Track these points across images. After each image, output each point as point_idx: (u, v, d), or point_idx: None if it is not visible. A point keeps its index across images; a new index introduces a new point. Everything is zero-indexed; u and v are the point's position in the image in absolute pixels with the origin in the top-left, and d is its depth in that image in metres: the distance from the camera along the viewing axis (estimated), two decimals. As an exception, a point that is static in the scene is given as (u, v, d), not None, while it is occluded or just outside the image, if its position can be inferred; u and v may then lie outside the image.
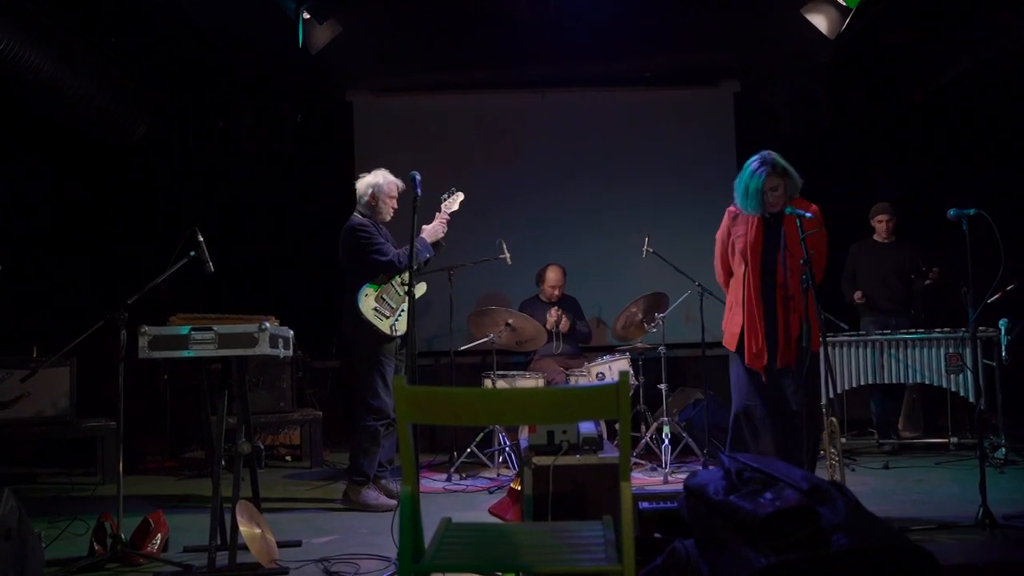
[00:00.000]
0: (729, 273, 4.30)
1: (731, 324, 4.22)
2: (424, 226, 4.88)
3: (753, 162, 4.10)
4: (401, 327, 4.82)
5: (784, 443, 4.09)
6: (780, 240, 4.10)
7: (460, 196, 5.06)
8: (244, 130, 7.63)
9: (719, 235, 4.32)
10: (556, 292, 6.65)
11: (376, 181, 4.95)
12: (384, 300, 4.81)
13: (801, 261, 3.91)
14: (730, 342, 4.22)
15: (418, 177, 4.04)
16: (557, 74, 7.70)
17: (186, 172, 7.63)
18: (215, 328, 3.66)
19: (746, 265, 4.12)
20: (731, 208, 4.23)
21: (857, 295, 6.50)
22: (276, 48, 6.48)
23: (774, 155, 4.11)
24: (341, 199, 5.01)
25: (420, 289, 4.86)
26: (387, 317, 4.79)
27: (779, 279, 4.07)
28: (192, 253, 3.89)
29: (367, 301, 4.76)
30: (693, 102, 7.89)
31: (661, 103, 7.90)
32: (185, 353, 3.64)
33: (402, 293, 4.84)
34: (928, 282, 6.32)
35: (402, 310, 4.83)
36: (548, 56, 7.28)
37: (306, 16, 6.09)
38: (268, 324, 3.71)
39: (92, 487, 5.51)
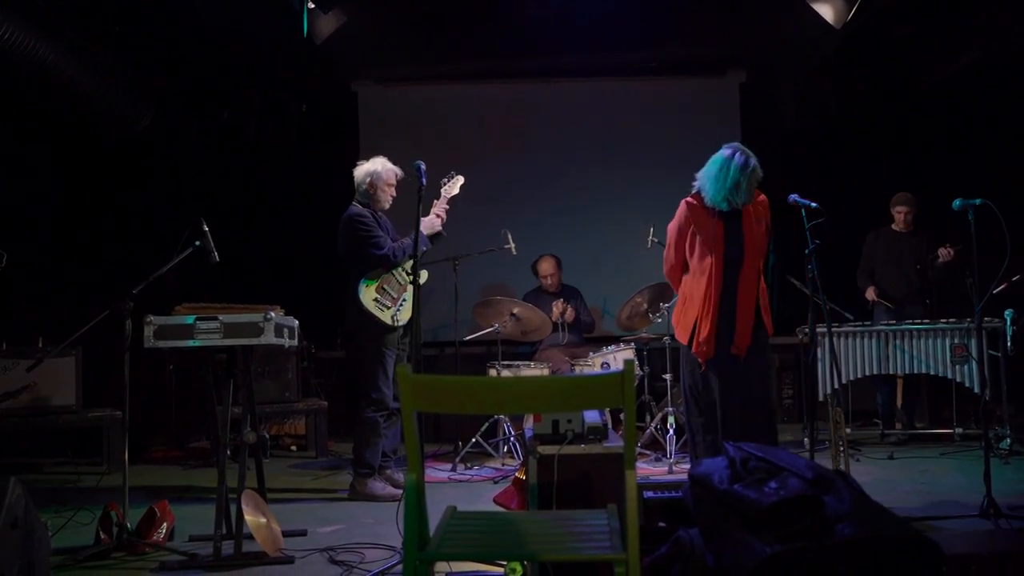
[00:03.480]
0: (683, 266, 4.19)
1: (684, 318, 4.13)
2: (422, 219, 4.84)
3: (733, 155, 4.00)
4: (403, 317, 4.81)
5: (749, 430, 3.96)
6: (740, 231, 4.03)
7: (460, 180, 5.01)
8: (249, 120, 7.61)
9: (674, 226, 4.17)
10: (549, 282, 6.67)
11: (374, 169, 4.89)
12: (385, 290, 4.79)
13: (810, 252, 3.93)
14: (683, 336, 4.13)
15: (423, 166, 4.02)
16: (562, 64, 7.68)
17: (191, 163, 7.63)
18: (220, 318, 3.67)
19: (709, 257, 4.02)
20: (690, 199, 4.13)
21: (870, 293, 6.44)
22: (280, 38, 6.46)
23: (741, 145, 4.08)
24: (346, 189, 5.00)
25: (421, 277, 4.81)
26: (388, 308, 4.77)
27: (741, 269, 4.02)
28: (197, 243, 3.89)
29: (368, 292, 4.74)
30: (699, 92, 7.86)
31: (667, 93, 7.88)
32: (190, 343, 3.64)
33: (403, 282, 4.83)
34: (942, 261, 6.16)
35: (404, 300, 4.81)
36: (554, 46, 7.26)
37: (311, 5, 6.07)
38: (273, 314, 3.72)
39: (98, 477, 5.53)
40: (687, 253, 4.13)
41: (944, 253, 6.15)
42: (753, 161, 4.02)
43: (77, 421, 5.82)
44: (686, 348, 4.14)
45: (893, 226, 6.51)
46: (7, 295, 6.36)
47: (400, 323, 4.81)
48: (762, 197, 4.09)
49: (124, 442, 3.77)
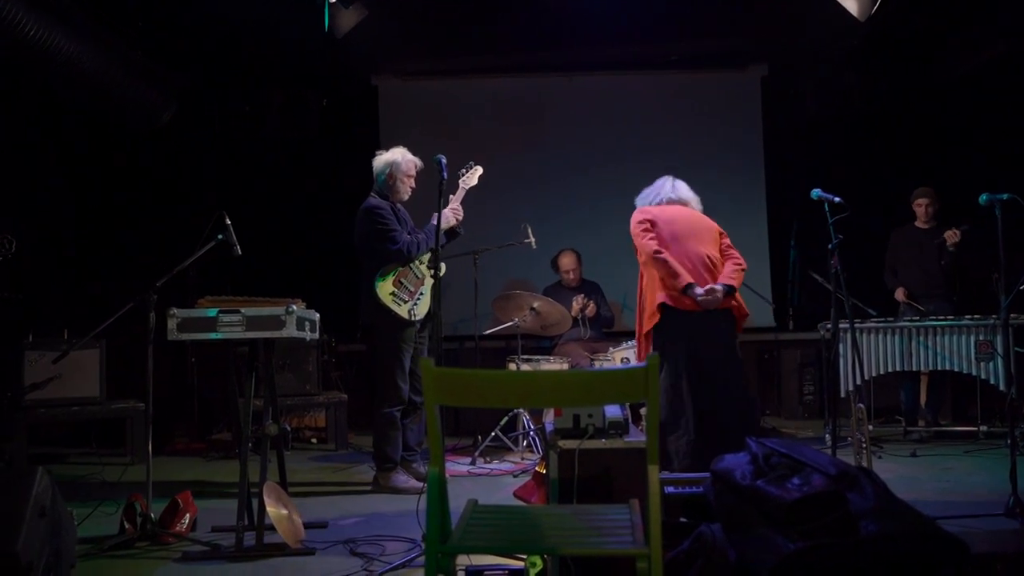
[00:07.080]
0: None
1: None
2: (435, 213, 4.81)
3: None
4: (420, 311, 4.80)
5: None
6: None
7: (479, 170, 4.95)
8: (270, 114, 7.66)
9: None
10: (571, 276, 6.66)
11: (394, 159, 4.85)
12: (402, 284, 4.75)
13: (833, 247, 3.94)
14: None
15: (443, 160, 4.02)
16: (583, 57, 7.65)
17: (213, 156, 7.68)
18: (243, 311, 3.68)
19: None
20: None
21: (899, 294, 6.39)
22: (302, 32, 6.48)
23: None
24: (366, 183, 5.01)
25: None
26: (405, 302, 4.74)
27: None
28: (220, 236, 3.91)
29: (384, 286, 4.70)
30: (720, 86, 7.82)
31: (688, 87, 7.83)
32: (213, 335, 3.67)
33: (420, 276, 4.81)
34: (949, 244, 6.09)
35: (421, 294, 4.80)
36: (574, 39, 7.24)
37: (332, 0, 6.08)
38: (295, 307, 3.73)
39: (122, 468, 5.58)
40: None
41: (951, 235, 6.08)
42: None
43: (101, 412, 5.87)
44: None
45: (916, 223, 6.46)
46: (34, 289, 6.42)
47: (417, 317, 4.79)
48: None
49: (148, 433, 3.80)
